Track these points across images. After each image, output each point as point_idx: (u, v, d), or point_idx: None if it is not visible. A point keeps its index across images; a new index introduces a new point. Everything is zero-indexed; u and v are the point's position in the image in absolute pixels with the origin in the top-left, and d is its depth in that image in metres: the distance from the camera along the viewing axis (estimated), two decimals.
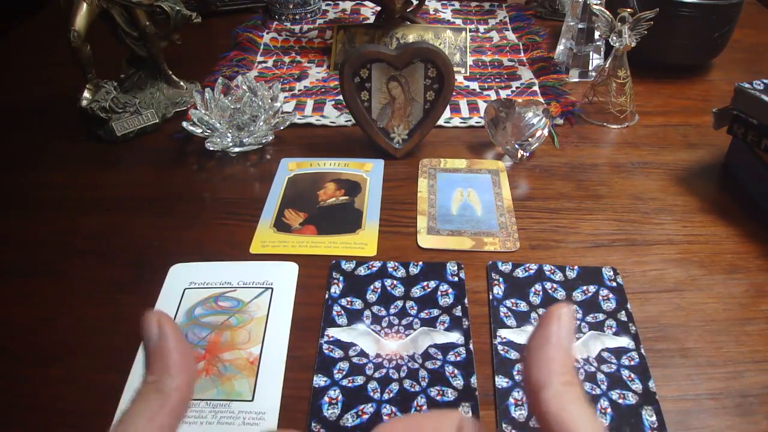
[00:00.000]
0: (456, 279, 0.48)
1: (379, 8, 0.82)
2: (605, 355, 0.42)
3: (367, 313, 0.46)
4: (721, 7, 0.73)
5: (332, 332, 0.44)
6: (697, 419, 0.38)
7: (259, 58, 0.84)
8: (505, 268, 0.49)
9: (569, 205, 0.57)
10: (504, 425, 0.38)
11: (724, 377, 0.41)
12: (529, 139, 0.61)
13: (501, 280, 0.48)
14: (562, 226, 0.54)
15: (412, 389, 0.40)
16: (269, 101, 0.64)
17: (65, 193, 0.60)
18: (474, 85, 0.77)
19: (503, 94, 0.75)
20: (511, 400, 0.39)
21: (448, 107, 0.65)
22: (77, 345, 0.44)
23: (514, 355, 0.42)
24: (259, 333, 0.44)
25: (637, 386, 0.40)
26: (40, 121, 0.72)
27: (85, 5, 0.63)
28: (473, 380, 0.41)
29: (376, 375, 0.41)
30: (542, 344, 0.23)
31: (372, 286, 0.48)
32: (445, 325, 0.45)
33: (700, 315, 0.46)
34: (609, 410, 0.38)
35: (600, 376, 0.41)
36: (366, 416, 0.39)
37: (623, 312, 0.45)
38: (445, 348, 0.43)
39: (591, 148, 0.65)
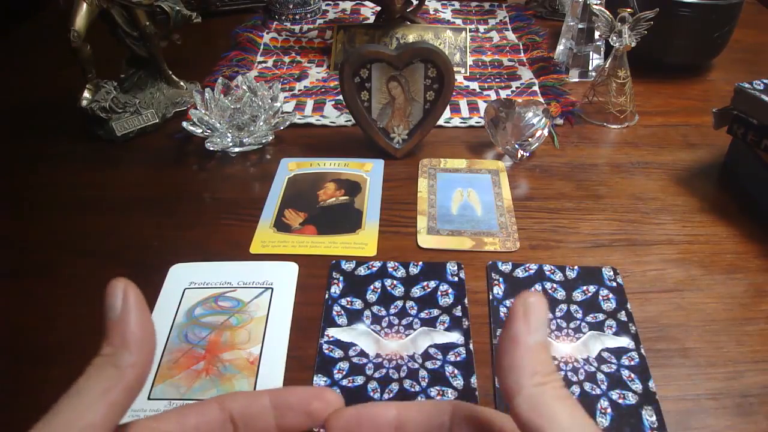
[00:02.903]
0: (456, 279, 0.48)
1: (379, 8, 0.82)
2: (605, 355, 0.42)
3: (367, 313, 0.46)
4: (721, 7, 0.73)
5: (332, 332, 0.44)
6: (697, 419, 0.38)
7: (259, 58, 0.84)
8: (505, 268, 0.49)
9: (569, 205, 0.57)
10: None
11: (724, 377, 0.41)
12: (529, 139, 0.61)
13: (501, 280, 0.48)
14: (562, 226, 0.54)
15: (412, 389, 0.40)
16: (269, 101, 0.64)
17: (65, 193, 0.60)
18: (474, 85, 0.77)
19: (503, 94, 0.75)
20: None
21: (448, 107, 0.65)
22: (77, 345, 0.44)
23: None
24: (259, 333, 0.44)
25: (637, 386, 0.40)
26: (40, 121, 0.72)
27: (85, 5, 0.63)
28: (473, 380, 0.41)
29: (376, 375, 0.41)
30: (509, 348, 0.21)
31: (372, 286, 0.48)
32: (445, 325, 0.45)
33: (700, 315, 0.46)
34: (609, 410, 0.39)
35: (600, 376, 0.41)
36: None
37: (623, 312, 0.45)
38: (445, 348, 0.43)
39: (591, 148, 0.65)
